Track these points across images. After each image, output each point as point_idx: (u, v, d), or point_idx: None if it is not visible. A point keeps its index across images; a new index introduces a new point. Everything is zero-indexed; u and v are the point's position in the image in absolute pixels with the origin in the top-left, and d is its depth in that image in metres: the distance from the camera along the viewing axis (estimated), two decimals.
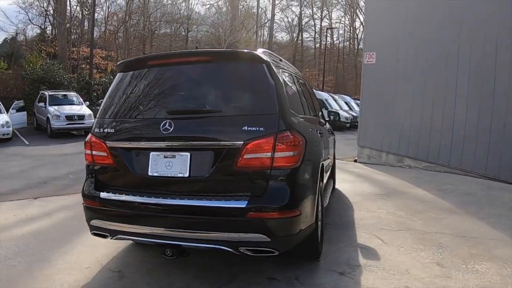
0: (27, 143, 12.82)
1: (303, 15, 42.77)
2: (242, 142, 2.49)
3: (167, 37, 35.76)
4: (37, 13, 27.76)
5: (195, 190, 2.63)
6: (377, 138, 9.25)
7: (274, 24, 40.37)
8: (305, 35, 44.17)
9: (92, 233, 2.94)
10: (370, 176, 7.48)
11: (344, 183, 6.66)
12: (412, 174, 7.37)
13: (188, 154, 2.62)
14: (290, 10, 45.60)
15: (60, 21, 24.74)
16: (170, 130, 2.62)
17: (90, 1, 27.88)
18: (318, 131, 3.73)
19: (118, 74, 3.11)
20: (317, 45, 44.08)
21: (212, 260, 3.30)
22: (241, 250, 2.51)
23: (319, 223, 3.24)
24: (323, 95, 22.37)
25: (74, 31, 30.81)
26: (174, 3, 35.00)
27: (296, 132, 2.62)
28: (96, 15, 33.62)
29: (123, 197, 2.73)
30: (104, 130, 2.87)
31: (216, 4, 36.32)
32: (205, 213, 2.52)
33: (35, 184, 6.69)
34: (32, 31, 31.13)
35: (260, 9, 37.03)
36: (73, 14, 29.97)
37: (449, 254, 3.41)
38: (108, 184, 2.90)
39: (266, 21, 38.33)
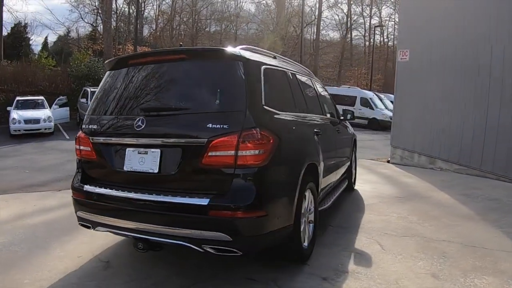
0: (67, 137, 13.58)
1: (352, 13, 41.65)
2: (206, 140, 2.47)
3: (217, 35, 36.25)
4: (88, 11, 29.20)
5: (164, 186, 2.66)
6: (409, 139, 8.81)
7: (323, 22, 39.57)
8: (354, 33, 43.04)
9: (79, 224, 3.06)
10: (396, 178, 7.14)
11: (366, 184, 6.42)
12: (440, 177, 6.94)
13: (159, 150, 2.65)
14: (339, 8, 44.56)
15: (105, 19, 25.85)
16: (142, 127, 2.67)
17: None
18: (317, 130, 3.61)
19: (106, 73, 3.21)
20: (367, 44, 42.77)
21: (198, 259, 3.28)
22: (204, 248, 2.49)
23: (304, 225, 3.14)
24: (368, 94, 21.73)
25: (122, 29, 32.25)
26: (224, 1, 35.42)
27: (266, 130, 2.54)
28: (146, 12, 35.17)
29: (102, 191, 2.82)
30: (90, 127, 2.98)
31: (264, 1, 36.36)
32: (170, 209, 2.54)
33: (65, 177, 7.09)
34: (84, 29, 32.91)
35: (308, 7, 36.47)
36: (120, 12, 31.24)
37: (450, 265, 3.16)
38: (92, 177, 3.01)
39: (314, 18, 37.61)
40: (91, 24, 30.61)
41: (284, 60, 3.76)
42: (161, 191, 2.61)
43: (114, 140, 2.85)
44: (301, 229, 3.01)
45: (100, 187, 2.85)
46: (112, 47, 26.86)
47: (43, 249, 3.53)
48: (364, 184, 6.44)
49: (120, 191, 2.74)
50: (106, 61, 3.27)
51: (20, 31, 29.55)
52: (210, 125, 2.48)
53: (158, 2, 34.46)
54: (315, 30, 37.62)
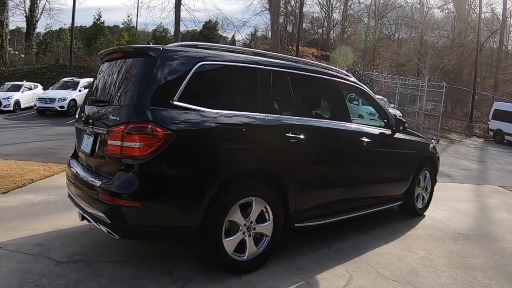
0: None
1: None
2: (106, 129, 2.73)
3: (405, 41, 33.92)
4: (259, 12, 31.58)
5: (91, 166, 3.07)
6: None
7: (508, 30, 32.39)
8: None
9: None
10: (496, 210, 5.61)
11: (447, 212, 5.38)
12: None
13: (93, 136, 3.03)
14: None
15: (273, 20, 27.54)
16: (86, 115, 3.15)
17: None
18: (295, 135, 3.21)
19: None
20: None
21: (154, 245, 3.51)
22: (99, 226, 2.76)
23: (240, 235, 2.97)
24: None
25: (291, 30, 33.89)
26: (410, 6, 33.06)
27: (158, 125, 2.57)
28: (334, 15, 35.89)
29: (71, 165, 3.37)
30: (78, 114, 3.54)
31: (446, 7, 32.42)
32: (87, 187, 2.87)
33: None
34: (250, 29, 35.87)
35: (489, 13, 30.56)
36: (289, 12, 32.71)
37: None
38: (75, 154, 3.61)
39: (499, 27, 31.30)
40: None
41: (281, 58, 3.61)
42: (89, 171, 3.04)
43: (77, 125, 3.42)
44: (222, 236, 2.85)
45: (71, 163, 3.41)
46: (279, 46, 28.37)
47: (66, 210, 4.24)
48: (444, 211, 5.39)
49: (78, 167, 3.24)
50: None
51: (210, 28, 34.53)
52: (111, 117, 2.74)
53: (347, 5, 34.52)
54: (498, 39, 31.20)
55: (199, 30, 33.76)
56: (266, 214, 3.11)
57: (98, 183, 2.76)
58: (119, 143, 2.59)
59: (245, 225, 2.97)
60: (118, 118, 2.67)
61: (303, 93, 3.82)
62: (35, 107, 15.91)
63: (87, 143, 3.12)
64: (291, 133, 3.23)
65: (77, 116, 3.51)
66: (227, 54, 3.16)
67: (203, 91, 2.88)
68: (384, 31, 34.85)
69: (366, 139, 3.97)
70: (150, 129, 2.55)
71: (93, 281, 2.82)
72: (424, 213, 5.16)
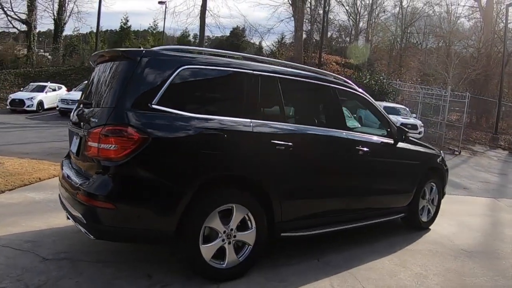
0: None
1: None
2: (87, 131, 2.75)
3: (433, 51, 33.03)
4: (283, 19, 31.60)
5: (78, 167, 3.12)
6: None
7: None
8: None
9: None
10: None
11: (456, 227, 5.13)
12: None
13: (79, 137, 3.06)
14: None
15: (296, 27, 27.53)
16: (75, 117, 3.20)
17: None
18: (281, 142, 3.14)
19: None
20: None
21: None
22: (77, 226, 2.79)
23: (219, 242, 2.93)
24: None
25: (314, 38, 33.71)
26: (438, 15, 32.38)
27: (133, 128, 2.59)
28: (361, 23, 35.61)
29: (62, 166, 3.41)
30: (71, 115, 3.59)
31: (472, 16, 31.45)
32: (70, 187, 2.91)
33: None
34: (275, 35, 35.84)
35: None
36: (314, 19, 32.55)
37: None
38: (67, 156, 3.64)
39: None
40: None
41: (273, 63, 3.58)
42: (76, 170, 3.10)
43: (69, 126, 3.48)
44: (199, 242, 2.82)
45: (65, 163, 3.46)
46: (302, 54, 28.17)
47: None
48: (452, 226, 5.17)
49: (68, 168, 3.27)
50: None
51: (237, 34, 34.84)
52: (92, 119, 2.78)
53: (374, 14, 34.18)
54: None
55: (226, 36, 34.21)
56: (249, 222, 3.05)
57: (78, 183, 2.80)
58: (96, 144, 2.62)
59: (224, 232, 2.92)
60: (97, 120, 2.71)
61: (295, 99, 3.74)
62: (57, 108, 16.33)
63: (75, 144, 3.17)
64: (278, 140, 3.15)
65: (70, 117, 3.58)
66: (213, 58, 3.15)
67: (185, 95, 2.88)
68: (412, 40, 34.21)
69: (362, 148, 3.84)
70: (125, 131, 2.58)
71: (72, 279, 2.85)
72: (430, 227, 4.96)
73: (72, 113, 3.54)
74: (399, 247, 4.15)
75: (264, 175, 3.10)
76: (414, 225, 4.82)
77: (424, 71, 28.86)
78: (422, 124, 15.61)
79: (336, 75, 4.21)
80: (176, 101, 2.78)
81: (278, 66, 3.54)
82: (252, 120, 3.06)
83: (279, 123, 3.26)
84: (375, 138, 4.18)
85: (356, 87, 4.28)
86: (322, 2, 27.95)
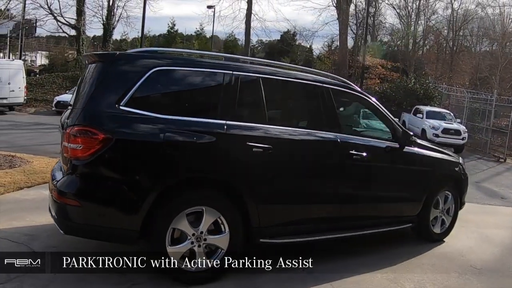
0: None
1: None
2: (64, 131, 2.89)
3: (486, 54, 31.10)
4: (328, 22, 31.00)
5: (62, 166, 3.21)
6: None
7: None
8: None
9: None
10: None
11: (475, 241, 4.76)
12: None
13: None
14: None
15: (341, 31, 26.97)
16: (64, 118, 3.29)
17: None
18: (261, 145, 3.07)
19: None
20: None
21: None
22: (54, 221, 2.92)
23: (189, 244, 2.92)
24: None
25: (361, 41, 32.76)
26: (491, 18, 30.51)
27: (97, 128, 2.66)
28: (412, 27, 34.31)
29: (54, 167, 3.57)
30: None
31: None
32: (52, 186, 3.02)
33: None
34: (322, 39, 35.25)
35: None
36: (361, 23, 31.64)
37: None
38: None
39: None
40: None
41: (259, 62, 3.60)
42: (60, 171, 3.19)
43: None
44: (166, 244, 2.83)
45: (58, 164, 3.60)
46: (347, 57, 27.34)
47: None
48: (470, 239, 4.79)
49: (57, 168, 3.40)
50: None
51: (288, 37, 34.89)
52: (67, 120, 2.91)
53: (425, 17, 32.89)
54: None
55: (276, 40, 34.47)
56: (222, 226, 2.99)
57: (54, 181, 2.94)
58: (67, 144, 2.76)
59: (193, 234, 2.90)
60: (69, 121, 2.84)
61: (279, 100, 3.61)
62: (53, 109, 16.94)
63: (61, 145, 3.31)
64: (255, 142, 3.06)
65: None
66: (189, 59, 3.18)
67: (156, 97, 2.93)
68: (465, 44, 32.38)
69: (357, 152, 3.63)
70: (90, 131, 2.67)
71: (47, 272, 2.94)
72: (444, 239, 4.61)
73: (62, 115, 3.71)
74: (399, 259, 3.89)
75: (238, 178, 3.03)
76: (425, 236, 4.51)
77: (477, 75, 27.22)
78: (466, 130, 14.68)
79: (334, 76, 4.05)
80: (146, 103, 2.83)
81: (262, 66, 3.47)
82: (227, 122, 3.00)
83: (258, 124, 3.16)
84: (376, 142, 3.95)
85: (357, 88, 4.10)
86: (365, 4, 27.32)
